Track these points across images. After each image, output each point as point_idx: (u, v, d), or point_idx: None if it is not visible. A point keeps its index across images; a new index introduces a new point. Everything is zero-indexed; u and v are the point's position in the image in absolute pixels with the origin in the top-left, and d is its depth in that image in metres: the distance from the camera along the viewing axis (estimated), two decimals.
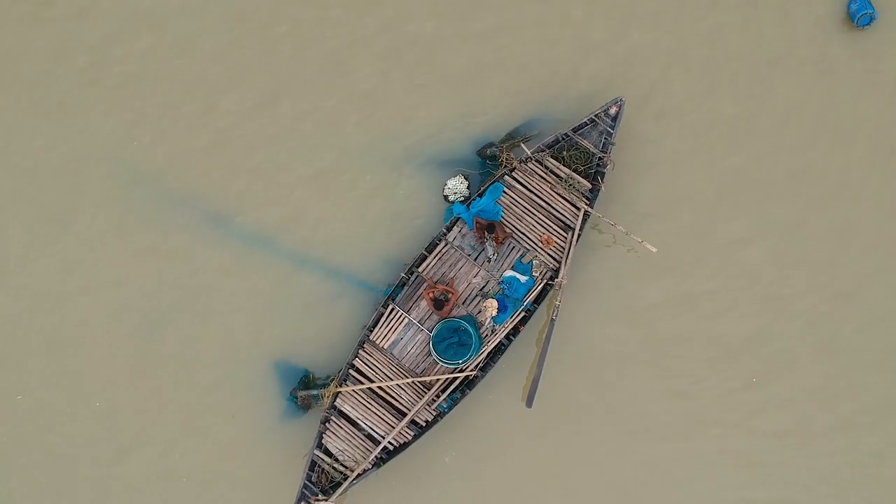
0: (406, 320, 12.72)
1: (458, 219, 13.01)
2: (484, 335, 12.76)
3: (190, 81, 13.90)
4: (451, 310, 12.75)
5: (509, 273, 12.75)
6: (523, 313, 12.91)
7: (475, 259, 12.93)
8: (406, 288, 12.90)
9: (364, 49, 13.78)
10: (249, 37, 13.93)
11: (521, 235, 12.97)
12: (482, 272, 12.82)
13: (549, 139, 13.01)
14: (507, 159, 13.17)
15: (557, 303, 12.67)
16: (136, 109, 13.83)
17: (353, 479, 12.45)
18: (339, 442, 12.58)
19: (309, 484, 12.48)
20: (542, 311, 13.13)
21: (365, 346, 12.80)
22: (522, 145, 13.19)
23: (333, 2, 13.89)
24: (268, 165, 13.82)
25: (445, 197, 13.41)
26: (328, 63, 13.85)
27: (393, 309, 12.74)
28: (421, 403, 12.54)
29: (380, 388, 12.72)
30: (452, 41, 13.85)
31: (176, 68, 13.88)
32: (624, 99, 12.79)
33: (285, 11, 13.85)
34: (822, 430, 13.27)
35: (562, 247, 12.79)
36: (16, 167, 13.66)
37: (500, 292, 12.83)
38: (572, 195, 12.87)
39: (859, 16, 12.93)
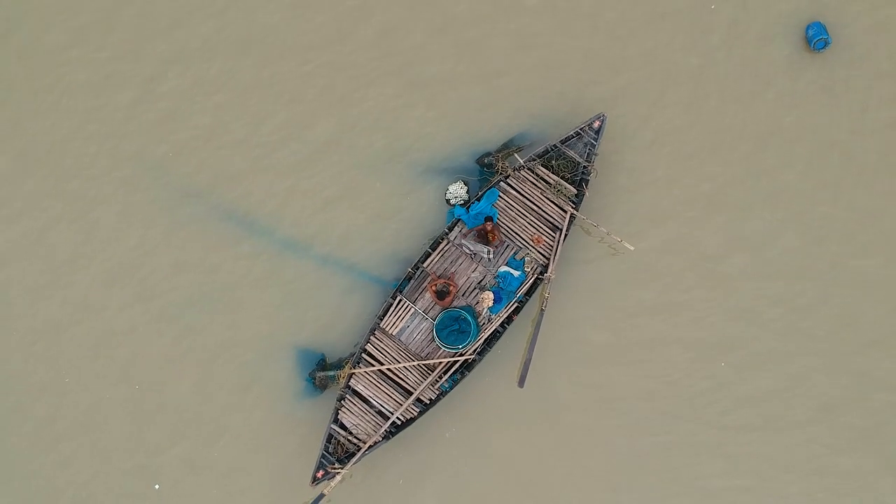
0: (412, 310, 13.58)
1: (458, 220, 13.78)
2: (481, 323, 13.62)
3: (227, 114, 14.64)
4: (452, 301, 13.56)
5: (504, 268, 13.62)
6: (516, 304, 13.73)
7: (473, 256, 13.72)
8: (412, 281, 13.73)
9: (378, 85, 14.56)
10: (281, 73, 14.66)
11: (514, 235, 13.74)
12: (479, 268, 13.67)
13: (540, 150, 13.88)
14: (502, 167, 14.05)
15: (546, 295, 13.58)
16: (179, 140, 14.54)
17: (366, 450, 13.30)
18: (353, 417, 13.46)
19: (326, 454, 13.33)
20: (532, 303, 13.95)
21: (376, 332, 13.62)
22: (516, 155, 14.07)
23: (352, 45, 14.60)
24: (297, 183, 14.61)
25: (447, 200, 14.21)
26: (349, 95, 14.63)
27: (401, 300, 13.60)
28: (425, 383, 13.40)
29: (389, 369, 13.56)
30: (458, 71, 14.82)
31: (214, 103, 14.60)
32: (606, 115, 13.71)
33: (311, 54, 14.62)
34: (785, 426, 14.09)
35: (550, 245, 13.69)
36: (75, 190, 14.51)
37: (496, 285, 13.71)
38: (560, 199, 13.72)
39: (815, 40, 13.99)
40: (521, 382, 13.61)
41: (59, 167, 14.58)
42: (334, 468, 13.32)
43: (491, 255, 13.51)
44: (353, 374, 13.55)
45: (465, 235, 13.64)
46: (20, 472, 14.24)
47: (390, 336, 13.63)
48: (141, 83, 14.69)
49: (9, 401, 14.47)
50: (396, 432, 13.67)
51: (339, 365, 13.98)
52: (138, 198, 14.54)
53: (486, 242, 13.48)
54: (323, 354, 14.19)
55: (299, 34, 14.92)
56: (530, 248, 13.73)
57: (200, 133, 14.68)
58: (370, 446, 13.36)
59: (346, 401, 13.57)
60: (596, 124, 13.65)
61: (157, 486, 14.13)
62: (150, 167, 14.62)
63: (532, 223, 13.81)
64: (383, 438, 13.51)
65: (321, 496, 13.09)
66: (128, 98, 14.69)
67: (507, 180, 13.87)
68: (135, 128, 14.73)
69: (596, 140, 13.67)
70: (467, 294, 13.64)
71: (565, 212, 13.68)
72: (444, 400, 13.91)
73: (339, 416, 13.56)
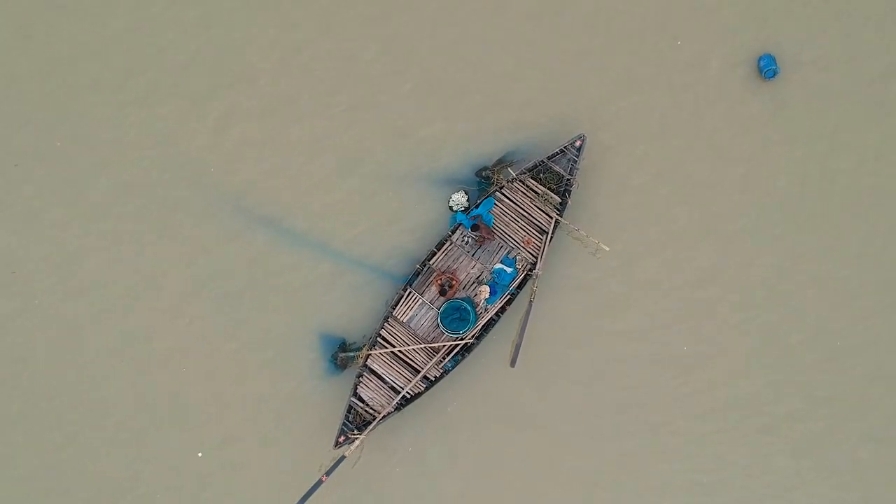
0: (420, 301, 14.83)
1: (459, 224, 14.98)
2: (479, 312, 14.85)
3: (256, 122, 15.55)
4: (454, 293, 14.79)
5: (498, 266, 14.90)
6: (509, 296, 14.93)
7: (473, 255, 14.90)
8: (420, 276, 14.88)
9: (392, 113, 15.57)
10: (308, 101, 15.59)
11: (507, 237, 14.91)
12: (478, 265, 14.91)
13: (530, 164, 14.93)
14: (497, 179, 15.13)
15: (535, 288, 14.78)
16: (216, 146, 15.42)
17: (380, 419, 14.54)
18: (370, 392, 14.73)
19: (347, 422, 14.55)
20: (523, 295, 15.08)
21: (389, 320, 14.77)
22: (509, 169, 15.15)
23: (380, 71, 15.58)
24: (321, 193, 15.52)
25: (450, 207, 15.35)
26: (369, 121, 15.58)
27: (410, 292, 14.82)
28: (431, 363, 14.66)
29: (400, 351, 14.74)
30: (460, 101, 15.62)
31: (251, 118, 15.48)
32: (586, 135, 14.82)
33: (342, 85, 15.58)
34: (754, 429, 15.27)
35: (538, 246, 14.92)
36: (121, 192, 15.39)
37: (492, 280, 14.95)
38: (546, 207, 14.89)
39: (766, 70, 15.12)
40: (513, 363, 14.79)
41: (109, 171, 15.40)
42: (353, 434, 14.44)
43: (486, 252, 14.70)
44: (370, 355, 14.74)
45: (478, 231, 14.74)
46: (78, 447, 15.23)
47: (401, 323, 14.82)
48: (188, 100, 15.49)
49: (71, 385, 15.32)
50: (406, 405, 14.72)
51: (357, 347, 15.05)
52: (180, 204, 15.37)
53: (476, 229, 14.75)
54: (344, 339, 15.26)
55: (319, 80, 15.68)
56: (521, 248, 14.98)
57: (244, 148, 15.48)
58: (384, 416, 14.55)
59: (364, 378, 14.72)
60: (577, 143, 14.77)
61: (199, 454, 15.12)
62: (191, 175, 15.44)
63: (523, 227, 14.98)
64: (395, 410, 14.65)
65: (342, 457, 14.24)
66: (169, 109, 15.51)
67: (502, 191, 14.92)
68: (177, 138, 15.49)
69: (577, 157, 14.79)
70: (467, 287, 14.90)
71: (551, 218, 14.89)
72: (446, 378, 14.90)
73: (357, 391, 14.66)
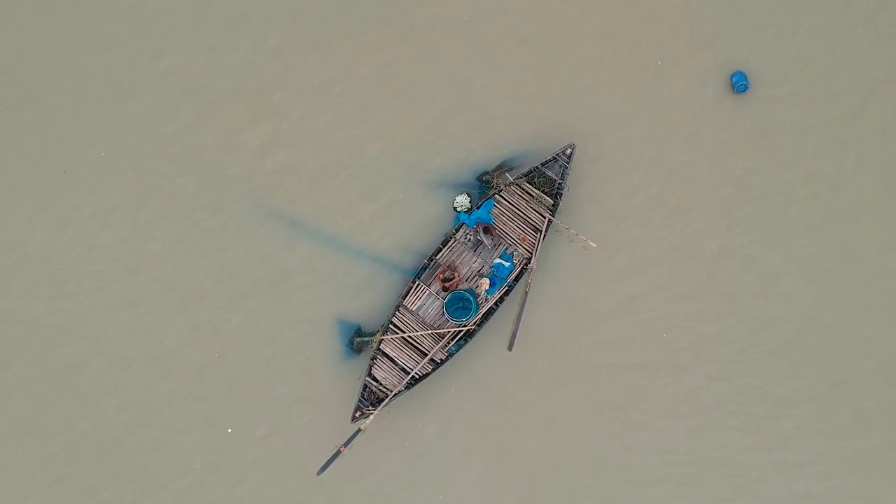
0: (427, 292, 15.55)
1: (462, 223, 15.65)
2: (480, 302, 15.52)
3: (285, 140, 16.20)
4: (457, 285, 15.56)
5: (497, 260, 15.61)
6: (507, 288, 15.58)
7: (475, 251, 15.63)
8: (427, 270, 15.57)
9: (402, 127, 16.27)
10: (329, 112, 16.29)
11: (506, 235, 15.64)
12: (479, 260, 15.69)
13: (525, 170, 15.61)
14: (496, 183, 15.79)
15: (530, 280, 15.50)
16: (240, 160, 16.11)
17: (392, 397, 15.23)
18: (383, 372, 15.48)
19: (362, 399, 15.29)
20: (519, 287, 15.69)
21: (400, 309, 15.46)
22: (507, 174, 15.82)
23: (392, 93, 16.21)
24: (341, 197, 16.22)
25: (454, 208, 15.95)
26: (379, 133, 16.28)
27: (419, 284, 15.54)
28: (437, 347, 15.38)
29: (410, 336, 15.43)
30: (463, 114, 16.29)
31: (274, 128, 16.17)
32: (575, 144, 15.56)
33: (373, 114, 16.22)
34: (730, 427, 16.09)
35: (533, 243, 15.59)
36: (154, 193, 16.18)
37: (491, 273, 15.63)
38: (540, 208, 15.58)
39: (738, 85, 15.94)
40: (510, 347, 15.48)
41: (149, 172, 16.13)
42: (368, 410, 15.17)
43: (486, 248, 15.44)
44: (383, 340, 15.45)
45: (476, 232, 15.38)
46: (128, 421, 16.00)
47: (411, 311, 15.54)
48: (209, 105, 16.17)
49: (115, 370, 16.08)
50: (415, 384, 15.43)
51: (372, 333, 15.73)
52: (209, 204, 16.08)
53: (487, 232, 15.49)
54: (359, 325, 15.98)
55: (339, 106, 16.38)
56: (518, 245, 15.71)
57: (270, 156, 16.20)
58: (395, 394, 15.25)
59: (378, 360, 15.45)
60: (568, 151, 15.47)
61: (229, 430, 15.92)
62: (216, 176, 16.07)
63: (519, 226, 15.66)
64: (405, 388, 15.37)
65: (358, 430, 15.02)
66: (191, 118, 16.25)
67: (501, 193, 15.59)
68: (208, 144, 16.19)
69: (568, 163, 15.48)
70: (469, 280, 15.66)
71: (544, 218, 15.56)
72: (451, 360, 15.56)
73: (372, 371, 15.38)
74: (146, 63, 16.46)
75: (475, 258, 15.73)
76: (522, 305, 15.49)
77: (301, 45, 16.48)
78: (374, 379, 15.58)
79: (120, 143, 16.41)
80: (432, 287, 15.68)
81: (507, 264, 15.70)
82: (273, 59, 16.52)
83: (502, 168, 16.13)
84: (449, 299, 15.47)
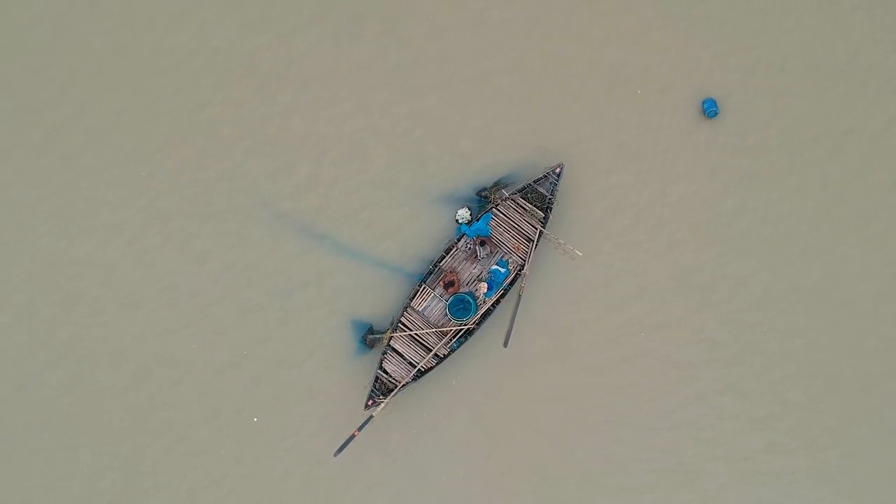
0: (432, 294, 16.35)
1: (464, 234, 16.45)
2: (479, 304, 16.34)
3: (303, 157, 17.03)
4: (458, 288, 16.27)
5: (494, 267, 16.48)
6: (503, 291, 16.40)
7: (474, 258, 16.32)
8: (432, 275, 16.33)
9: (411, 148, 17.09)
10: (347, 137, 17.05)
11: (501, 244, 16.44)
12: (478, 266, 16.45)
13: (519, 186, 16.43)
14: (494, 198, 16.58)
15: (523, 285, 16.38)
16: (265, 171, 16.96)
17: (400, 388, 16.12)
18: (392, 365, 16.30)
19: (374, 390, 16.13)
20: (514, 290, 16.58)
21: (407, 309, 16.24)
22: (503, 190, 16.68)
23: (406, 120, 17.02)
24: (354, 210, 16.93)
25: (456, 220, 16.76)
26: (391, 154, 17.08)
27: (424, 287, 16.33)
28: (440, 344, 16.18)
29: (416, 334, 16.23)
30: (467, 133, 17.11)
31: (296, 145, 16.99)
32: (563, 164, 16.48)
33: (386, 142, 16.84)
34: (707, 424, 17.21)
35: (526, 251, 16.47)
36: (186, 203, 17.04)
37: (489, 278, 16.49)
38: (532, 220, 16.40)
39: (709, 111, 17.11)
40: (505, 344, 16.22)
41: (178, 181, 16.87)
42: (379, 399, 16.07)
43: (486, 254, 16.28)
44: (393, 337, 16.21)
45: (475, 244, 16.12)
46: (163, 414, 16.87)
47: (417, 312, 16.29)
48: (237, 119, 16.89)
49: (155, 366, 16.85)
50: (420, 376, 16.26)
51: (382, 331, 16.49)
52: (234, 214, 16.84)
53: (484, 244, 16.33)
54: (371, 324, 16.76)
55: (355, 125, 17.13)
56: (513, 253, 16.50)
57: (290, 174, 16.99)
58: (403, 385, 16.12)
59: (388, 355, 16.22)
60: (557, 170, 16.36)
61: (255, 419, 16.73)
62: (241, 188, 16.70)
63: (514, 236, 16.45)
64: (412, 380, 16.22)
65: (371, 417, 15.94)
66: (227, 132, 16.92)
67: (497, 207, 16.39)
68: (233, 156, 16.89)
69: (557, 181, 16.34)
70: (469, 284, 16.45)
71: (536, 229, 16.42)
72: (452, 356, 16.38)
73: (382, 365, 16.16)
74: (191, 113, 17.35)
75: (475, 265, 16.58)
76: (516, 307, 16.40)
77: (319, 82, 17.41)
78: (385, 371, 16.42)
79: (161, 165, 17.37)
80: (436, 290, 16.50)
81: (503, 270, 16.58)
82: (297, 98, 17.45)
83: (499, 185, 17.00)
84: (451, 301, 16.29)
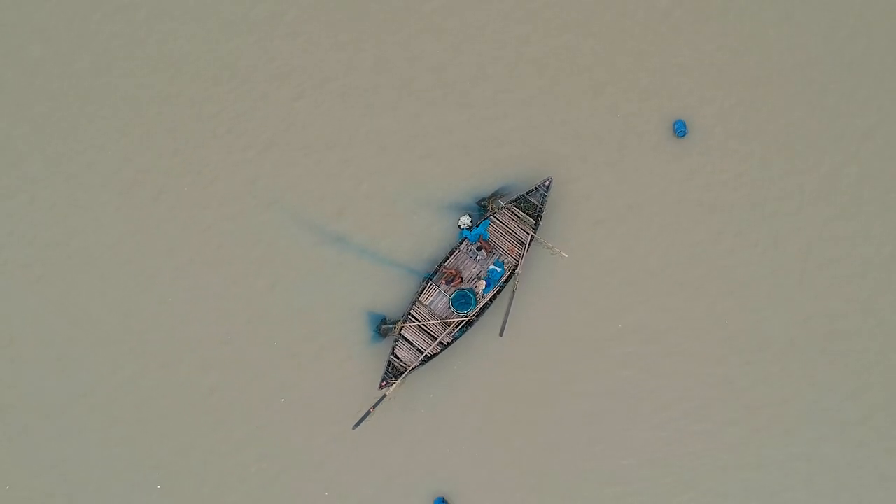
0: (437, 290, 17.89)
1: (465, 238, 17.98)
2: (478, 299, 17.93)
3: (323, 165, 19.01)
4: (460, 285, 17.91)
5: (491, 267, 18.05)
6: (499, 288, 17.98)
7: (474, 259, 17.99)
8: (437, 274, 17.87)
9: (417, 161, 18.60)
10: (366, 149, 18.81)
11: (498, 247, 18.08)
12: (477, 266, 18.05)
13: (513, 197, 17.93)
14: (492, 207, 18.10)
15: (516, 283, 17.94)
16: (280, 174, 18.88)
17: (410, 371, 17.70)
18: (403, 352, 17.89)
19: (387, 373, 17.70)
20: (508, 287, 18.09)
21: (416, 303, 17.75)
22: (500, 200, 18.21)
23: (414, 140, 18.63)
24: (368, 216, 18.44)
25: (458, 226, 18.39)
26: (399, 169, 18.64)
27: (430, 284, 17.89)
28: (445, 333, 17.69)
29: (424, 325, 17.76)
30: (468, 151, 18.64)
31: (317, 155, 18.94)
32: (552, 177, 17.97)
33: (398, 157, 18.44)
34: (695, 429, 18.49)
35: (519, 254, 18.02)
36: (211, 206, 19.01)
37: (487, 276, 18.07)
38: (525, 226, 17.91)
39: (679, 131, 18.60)
40: (501, 334, 17.88)
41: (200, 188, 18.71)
42: (391, 380, 17.71)
43: (483, 257, 18.06)
44: (403, 327, 17.81)
45: (474, 247, 17.47)
46: (190, 408, 18.58)
47: (424, 305, 17.87)
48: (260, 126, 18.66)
49: (191, 353, 18.59)
50: (427, 361, 17.79)
51: (394, 321, 18.07)
52: (260, 218, 18.48)
53: (480, 249, 18.17)
54: (384, 315, 18.33)
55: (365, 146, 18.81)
56: (508, 255, 18.09)
57: (311, 185, 18.85)
58: (412, 369, 17.71)
59: (399, 342, 17.79)
60: (547, 183, 17.83)
61: (283, 399, 18.37)
62: (266, 196, 18.30)
63: (509, 240, 18.04)
64: (420, 364, 17.78)
65: (384, 396, 17.55)
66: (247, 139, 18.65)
67: (495, 215, 17.90)
68: (251, 164, 18.58)
69: (546, 192, 17.84)
70: (470, 281, 18.12)
71: (528, 234, 17.97)
72: (455, 343, 17.90)
73: (394, 351, 17.75)
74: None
75: (475, 264, 18.18)
76: (511, 301, 18.03)
77: (339, 101, 19.33)
78: (397, 356, 18.08)
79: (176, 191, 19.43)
80: (441, 286, 18.03)
81: (499, 270, 18.18)
82: (317, 107, 19.58)
83: (496, 195, 18.62)
84: (454, 296, 17.88)
